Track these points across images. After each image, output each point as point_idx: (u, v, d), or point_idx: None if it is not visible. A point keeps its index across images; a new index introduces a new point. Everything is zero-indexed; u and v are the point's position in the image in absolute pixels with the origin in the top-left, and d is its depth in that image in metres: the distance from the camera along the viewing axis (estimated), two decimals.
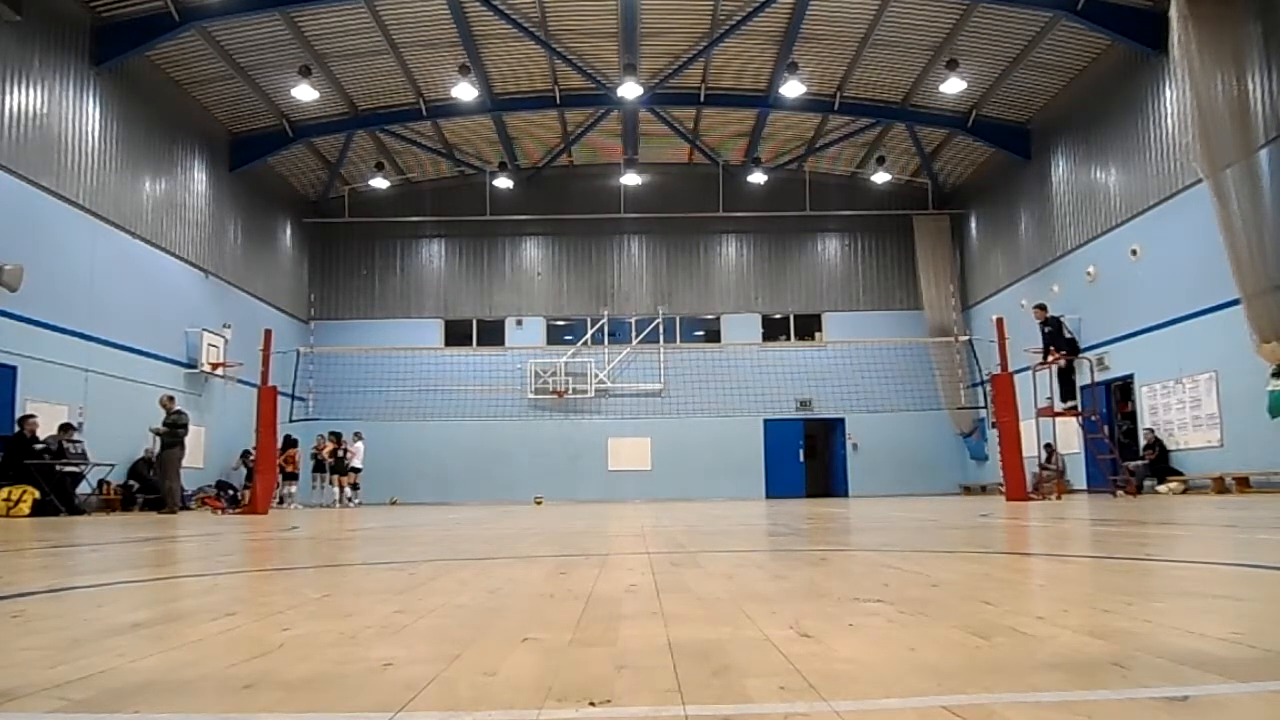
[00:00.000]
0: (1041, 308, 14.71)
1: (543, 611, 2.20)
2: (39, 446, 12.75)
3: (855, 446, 23.90)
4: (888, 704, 1.19)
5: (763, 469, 23.83)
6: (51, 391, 13.65)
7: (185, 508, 15.19)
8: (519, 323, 24.73)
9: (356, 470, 20.38)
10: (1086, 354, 15.89)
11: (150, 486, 15.18)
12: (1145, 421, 15.97)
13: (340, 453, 20.17)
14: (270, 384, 13.50)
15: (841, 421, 23.73)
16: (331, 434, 20.20)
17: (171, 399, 14.78)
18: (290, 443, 18.91)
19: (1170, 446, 15.22)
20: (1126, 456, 15.40)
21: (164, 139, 17.34)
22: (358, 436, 20.41)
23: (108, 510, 14.40)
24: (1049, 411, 14.53)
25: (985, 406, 18.38)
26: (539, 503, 20.74)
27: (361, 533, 7.14)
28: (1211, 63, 12.78)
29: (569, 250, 25.16)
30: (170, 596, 2.79)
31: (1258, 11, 12.91)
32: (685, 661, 1.50)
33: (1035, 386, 14.73)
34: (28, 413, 12.79)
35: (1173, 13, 12.96)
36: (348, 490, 20.11)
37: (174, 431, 14.08)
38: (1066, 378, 14.40)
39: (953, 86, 18.45)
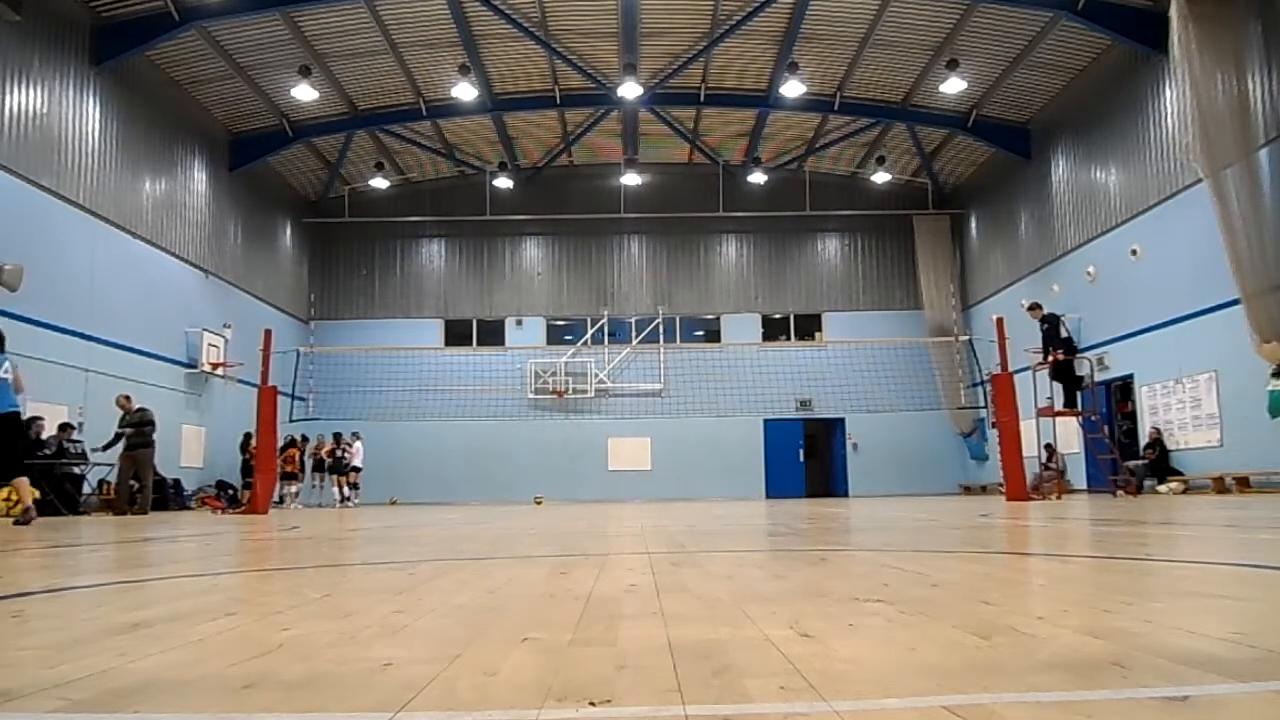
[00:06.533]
0: (1036, 306, 14.67)
1: (543, 611, 2.20)
2: (45, 452, 12.73)
3: (855, 446, 23.90)
4: (888, 704, 1.19)
5: (763, 469, 23.83)
6: (51, 391, 13.63)
7: (158, 508, 14.92)
8: (519, 323, 24.74)
9: (356, 470, 20.39)
10: (1086, 354, 15.89)
11: (154, 486, 15.04)
12: (1146, 421, 15.97)
13: (340, 453, 20.18)
14: (270, 384, 13.50)
15: (841, 421, 23.73)
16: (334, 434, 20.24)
17: (129, 398, 13.91)
18: (291, 442, 18.90)
19: (1170, 446, 15.21)
20: (1126, 456, 15.40)
21: (164, 139, 17.34)
22: (356, 436, 20.42)
23: (108, 510, 14.37)
24: (1049, 411, 14.52)
25: (985, 406, 18.37)
26: (539, 503, 20.72)
27: (361, 533, 7.13)
28: (1211, 63, 12.77)
29: (569, 250, 25.16)
30: (170, 596, 2.79)
31: (1258, 11, 12.90)
32: (685, 661, 1.49)
33: (1035, 386, 14.72)
34: (34, 415, 12.74)
35: (1173, 13, 12.96)
36: (347, 490, 20.12)
37: (141, 431, 13.52)
38: (1069, 375, 14.35)
39: (953, 86, 18.46)
